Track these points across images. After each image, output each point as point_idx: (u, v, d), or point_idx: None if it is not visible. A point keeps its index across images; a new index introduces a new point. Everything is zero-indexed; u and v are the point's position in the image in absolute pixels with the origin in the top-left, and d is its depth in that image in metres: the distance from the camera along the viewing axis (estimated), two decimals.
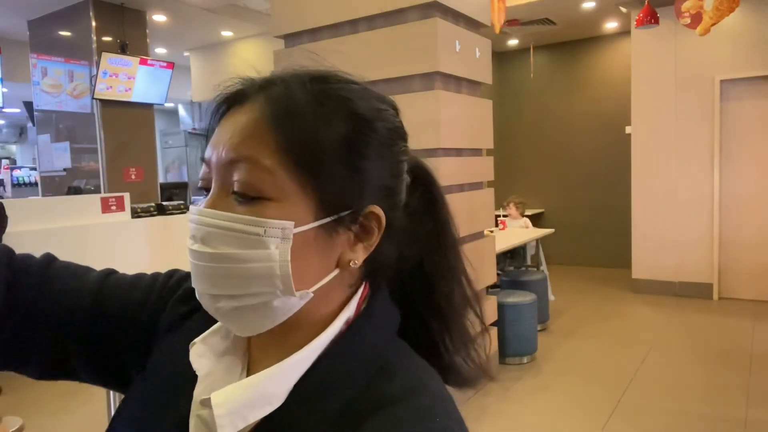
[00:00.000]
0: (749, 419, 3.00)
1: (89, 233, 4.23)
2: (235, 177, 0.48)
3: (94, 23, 5.51)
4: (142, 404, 0.58)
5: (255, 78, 0.53)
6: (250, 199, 0.48)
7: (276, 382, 0.49)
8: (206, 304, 0.51)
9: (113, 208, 4.50)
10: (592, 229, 7.12)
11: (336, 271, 0.51)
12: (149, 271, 0.69)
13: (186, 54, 7.56)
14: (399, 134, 0.55)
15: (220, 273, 0.48)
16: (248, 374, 0.55)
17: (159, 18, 6.14)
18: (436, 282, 0.59)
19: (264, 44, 6.69)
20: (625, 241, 6.06)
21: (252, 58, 6.84)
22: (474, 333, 0.62)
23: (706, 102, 5.36)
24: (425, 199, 0.60)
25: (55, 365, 0.63)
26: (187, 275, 0.52)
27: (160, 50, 7.35)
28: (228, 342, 0.56)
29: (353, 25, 3.16)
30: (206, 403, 0.48)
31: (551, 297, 5.03)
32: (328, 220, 0.49)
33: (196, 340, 0.55)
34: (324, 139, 0.49)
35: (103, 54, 5.39)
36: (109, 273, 0.67)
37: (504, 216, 5.52)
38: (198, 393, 0.52)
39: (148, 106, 5.99)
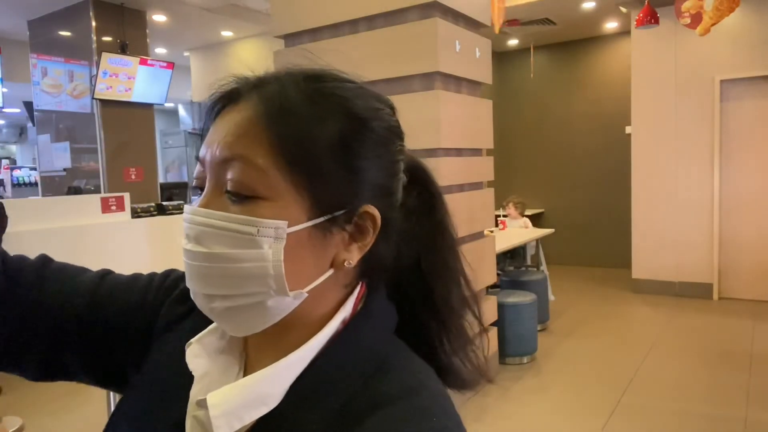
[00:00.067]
0: (749, 419, 3.00)
1: (89, 233, 4.22)
2: (229, 176, 0.48)
3: (94, 23, 5.51)
4: (138, 405, 0.58)
5: (249, 77, 0.53)
6: (244, 198, 0.48)
7: (272, 383, 0.49)
8: (200, 304, 0.51)
9: (113, 208, 4.50)
10: (592, 229, 7.11)
11: (330, 271, 0.51)
12: (149, 271, 0.69)
13: (186, 54, 7.56)
14: (395, 133, 0.55)
15: (214, 273, 0.48)
16: (245, 374, 0.54)
17: (159, 18, 6.14)
18: (434, 282, 0.59)
19: (264, 44, 6.69)
20: (625, 241, 6.06)
21: (252, 58, 6.84)
22: (472, 334, 0.62)
23: (706, 102, 5.35)
24: (423, 198, 0.59)
25: (52, 367, 0.63)
26: (184, 275, 0.52)
27: (160, 50, 7.35)
28: (224, 342, 0.56)
29: (353, 25, 3.16)
30: (202, 404, 0.48)
31: (551, 297, 5.03)
32: (322, 219, 0.49)
33: (192, 340, 0.55)
34: (318, 137, 0.49)
35: (103, 54, 5.39)
36: (105, 274, 0.67)
37: (504, 216, 5.52)
38: (194, 393, 0.52)
39: (148, 106, 5.99)
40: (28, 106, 6.61)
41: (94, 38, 5.51)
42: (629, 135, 5.80)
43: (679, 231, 5.56)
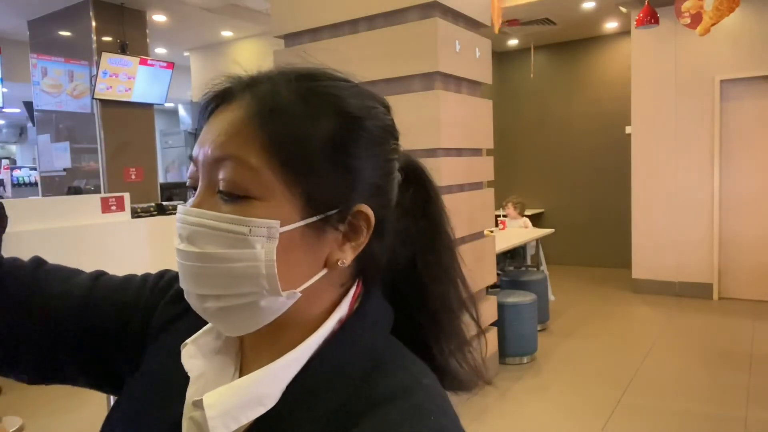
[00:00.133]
0: (749, 419, 3.00)
1: (89, 233, 4.22)
2: (221, 176, 0.48)
3: (94, 23, 5.51)
4: (134, 406, 0.57)
5: (242, 76, 0.52)
6: (236, 198, 0.47)
7: (269, 383, 0.48)
8: (194, 304, 0.51)
9: (113, 208, 4.50)
10: (592, 229, 7.11)
11: (324, 271, 0.51)
12: (149, 271, 0.68)
13: (186, 54, 7.56)
14: (389, 132, 0.55)
15: (206, 273, 0.48)
16: (241, 375, 0.54)
17: (159, 18, 6.14)
18: (429, 282, 0.59)
19: (264, 44, 6.69)
20: (625, 241, 6.06)
21: (252, 58, 6.84)
22: (469, 335, 0.61)
23: (706, 102, 5.35)
24: (418, 197, 0.59)
25: (46, 369, 0.63)
26: (178, 275, 0.52)
27: (160, 50, 7.35)
28: (220, 342, 0.55)
29: (353, 25, 3.16)
30: (198, 405, 0.47)
31: (551, 297, 5.03)
32: (314, 219, 0.49)
33: (187, 341, 0.55)
34: (311, 137, 0.49)
35: (103, 54, 5.39)
36: (99, 275, 0.66)
37: (503, 216, 5.52)
38: (190, 394, 0.52)
39: (148, 106, 5.99)
40: (28, 106, 6.61)
41: (94, 38, 5.51)
42: (629, 135, 5.80)
43: (679, 231, 5.56)
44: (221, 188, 0.48)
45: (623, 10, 5.72)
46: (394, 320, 0.56)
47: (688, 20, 4.43)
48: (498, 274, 4.40)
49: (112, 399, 2.41)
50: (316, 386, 0.49)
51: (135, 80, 5.68)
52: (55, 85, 5.83)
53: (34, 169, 7.81)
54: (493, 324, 3.61)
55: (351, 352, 0.51)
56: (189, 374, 0.53)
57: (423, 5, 2.94)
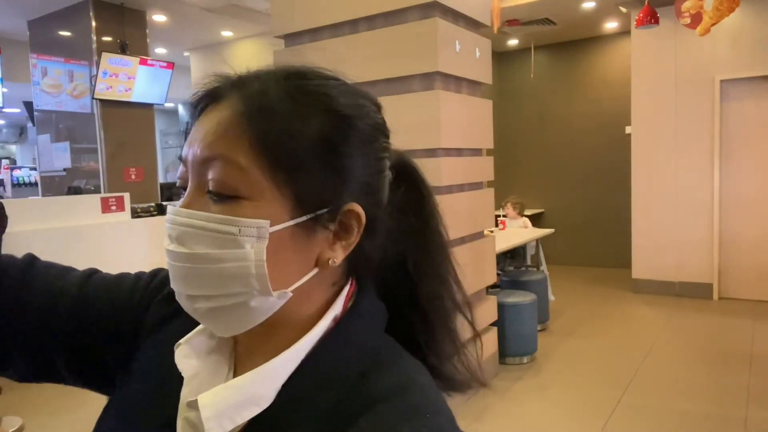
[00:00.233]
0: (749, 419, 3.00)
1: (89, 233, 4.23)
2: (210, 176, 0.48)
3: (94, 23, 5.51)
4: (127, 407, 0.57)
5: (231, 75, 0.52)
6: (225, 197, 0.47)
7: (264, 383, 0.48)
8: (184, 304, 0.51)
9: (113, 208, 4.50)
10: (592, 229, 7.11)
11: (315, 270, 0.51)
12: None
13: (186, 54, 7.56)
14: (380, 130, 0.54)
15: (196, 273, 0.48)
16: (235, 374, 0.54)
17: (159, 18, 6.14)
18: (420, 281, 0.58)
19: (264, 44, 6.69)
20: (625, 241, 6.06)
21: (252, 58, 6.84)
22: (464, 337, 0.61)
23: (706, 102, 5.35)
24: (410, 195, 0.59)
25: (37, 367, 0.62)
26: None
27: (160, 50, 7.35)
28: (213, 342, 0.55)
29: (353, 25, 3.16)
30: (193, 405, 0.47)
31: (551, 297, 5.03)
32: (304, 218, 0.49)
33: (181, 341, 0.54)
34: (299, 136, 0.48)
35: (103, 54, 5.39)
36: (92, 273, 0.66)
37: (503, 216, 5.52)
38: (185, 395, 0.52)
39: (148, 106, 5.99)
40: (28, 106, 6.62)
41: (94, 38, 5.52)
42: (629, 135, 5.80)
43: (679, 231, 5.56)
44: (210, 188, 0.48)
45: (623, 10, 5.72)
46: (388, 319, 0.56)
47: (688, 20, 4.43)
48: (498, 274, 4.40)
49: None
50: (311, 386, 0.49)
51: (135, 80, 5.68)
52: (55, 85, 5.84)
53: (34, 169, 7.82)
54: (493, 324, 3.61)
55: (346, 351, 0.51)
56: (183, 374, 0.52)
57: (423, 5, 2.94)
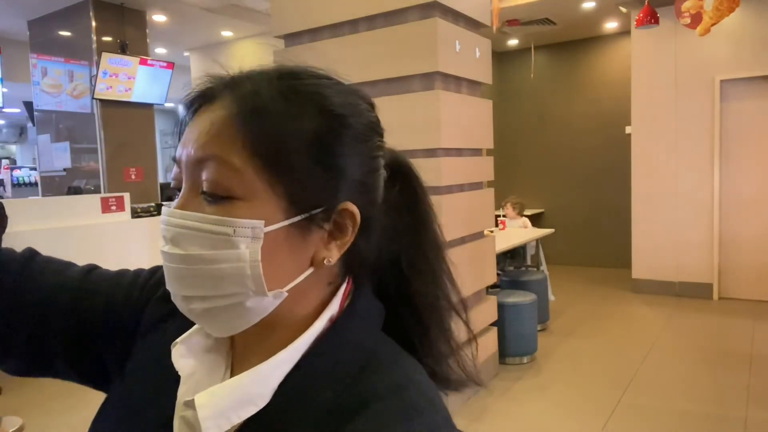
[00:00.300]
0: (749, 419, 3.00)
1: (89, 233, 4.23)
2: (204, 176, 0.48)
3: (94, 23, 5.51)
4: (124, 405, 0.57)
5: (224, 76, 0.52)
6: (220, 198, 0.47)
7: (260, 382, 0.48)
8: (180, 305, 0.51)
9: (113, 208, 4.50)
10: (592, 229, 7.11)
11: (310, 270, 0.51)
12: None
13: (186, 54, 7.56)
14: (374, 129, 0.54)
15: (191, 274, 0.48)
16: (232, 374, 0.54)
17: (159, 18, 6.14)
18: (413, 279, 0.58)
19: (264, 44, 6.69)
20: (625, 241, 6.06)
21: (252, 58, 6.83)
22: (459, 337, 0.61)
23: (706, 102, 5.35)
24: (405, 193, 0.59)
25: (35, 362, 0.63)
26: None
27: (160, 50, 7.35)
28: (210, 342, 0.55)
29: (353, 25, 3.16)
30: (190, 405, 0.47)
31: (551, 297, 5.03)
32: (299, 218, 0.49)
33: (178, 340, 0.54)
34: (293, 135, 0.48)
35: (103, 54, 5.39)
36: (91, 269, 0.66)
37: (502, 216, 5.52)
38: (181, 394, 0.52)
39: (148, 106, 5.99)
40: (28, 106, 6.62)
41: (94, 38, 5.52)
42: (629, 135, 5.80)
43: (679, 231, 5.56)
44: (204, 189, 0.48)
45: (623, 10, 5.72)
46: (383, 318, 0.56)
47: (688, 20, 4.43)
48: (498, 274, 4.40)
49: None
50: (307, 385, 0.49)
51: (135, 80, 5.68)
52: (55, 85, 5.84)
53: (34, 169, 7.82)
54: (493, 324, 3.61)
55: (342, 350, 0.51)
56: (180, 373, 0.52)
57: (423, 5, 2.94)
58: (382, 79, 3.06)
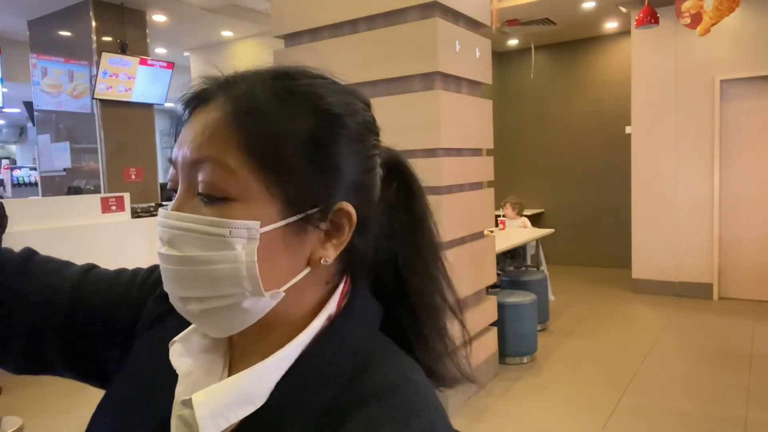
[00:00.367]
0: (749, 419, 3.00)
1: (89, 233, 4.23)
2: (200, 178, 0.48)
3: (94, 23, 5.51)
4: (121, 404, 0.57)
5: (218, 77, 0.52)
6: (215, 199, 0.47)
7: (258, 382, 0.48)
8: (177, 306, 0.51)
9: (113, 208, 4.50)
10: (592, 229, 7.12)
11: (307, 270, 0.51)
12: None
13: (186, 54, 7.56)
14: (369, 128, 0.55)
15: (188, 275, 0.48)
16: (230, 373, 0.54)
17: (159, 18, 6.14)
18: (410, 277, 0.58)
19: (264, 44, 6.69)
20: (625, 241, 6.06)
21: (252, 58, 6.84)
22: (454, 335, 0.61)
23: (706, 102, 5.35)
24: (401, 192, 0.59)
25: (34, 360, 0.63)
26: None
27: (160, 50, 7.35)
28: (208, 341, 0.55)
29: (353, 25, 3.16)
30: (188, 404, 0.47)
31: (551, 297, 5.03)
32: (295, 218, 0.49)
33: (175, 339, 0.55)
34: (288, 136, 0.48)
35: (103, 54, 5.39)
36: (90, 268, 0.66)
37: (502, 216, 5.52)
38: (179, 393, 0.52)
39: (148, 106, 6.00)
40: (28, 106, 6.62)
41: (94, 38, 5.52)
42: (629, 135, 5.80)
43: (679, 231, 5.56)
44: (200, 190, 0.48)
45: (623, 10, 5.72)
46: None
47: (688, 20, 4.43)
48: (498, 274, 4.40)
49: None
50: (305, 384, 0.49)
51: (135, 80, 5.68)
52: (55, 85, 5.84)
53: (34, 169, 7.82)
54: (493, 324, 3.61)
55: (339, 349, 0.51)
56: (177, 372, 0.52)
57: (423, 5, 2.94)
58: (382, 79, 3.06)
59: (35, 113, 6.21)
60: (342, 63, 3.10)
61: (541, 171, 7.47)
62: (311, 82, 0.52)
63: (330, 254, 0.51)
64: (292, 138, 0.49)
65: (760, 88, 5.20)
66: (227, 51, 7.14)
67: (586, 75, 7.13)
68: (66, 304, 0.62)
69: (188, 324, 0.55)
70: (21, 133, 12.50)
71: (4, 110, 8.10)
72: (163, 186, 6.15)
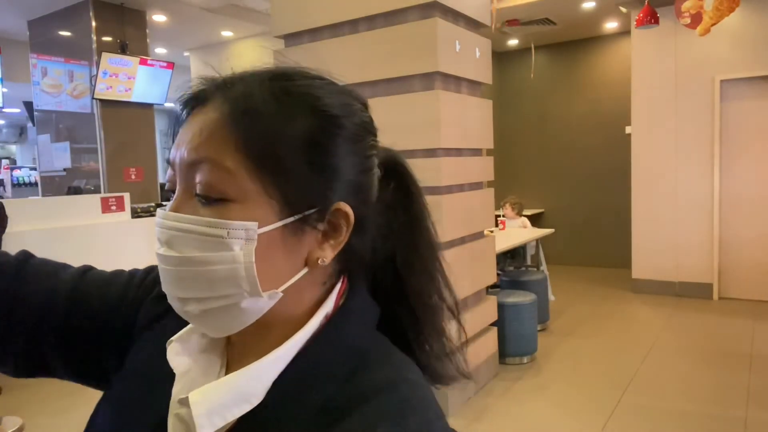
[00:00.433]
0: (749, 419, 3.00)
1: (89, 233, 4.23)
2: (198, 179, 0.48)
3: (94, 23, 5.51)
4: (120, 403, 0.57)
5: (216, 78, 0.52)
6: (213, 200, 0.48)
7: (254, 380, 0.49)
8: (176, 307, 0.51)
9: (113, 208, 4.50)
10: (592, 229, 7.12)
11: (305, 270, 0.51)
12: None
13: (186, 54, 7.56)
14: (367, 129, 0.55)
15: (186, 276, 0.48)
16: (227, 372, 0.54)
17: (159, 18, 6.14)
18: (408, 276, 0.59)
19: (264, 44, 6.69)
20: (625, 241, 6.06)
21: (252, 58, 6.83)
22: (451, 333, 0.61)
23: (706, 102, 5.35)
24: (399, 192, 0.59)
25: (33, 363, 0.63)
26: None
27: (160, 50, 7.35)
28: (206, 340, 0.56)
29: (353, 25, 3.16)
30: (184, 402, 0.48)
31: (551, 297, 5.03)
32: (292, 219, 0.49)
33: (173, 338, 0.55)
34: (285, 136, 0.49)
35: (103, 54, 5.39)
36: (86, 270, 0.66)
37: (502, 216, 5.52)
38: (176, 392, 0.52)
39: (148, 106, 6.00)
40: (28, 106, 6.62)
41: (94, 38, 5.52)
42: (629, 135, 5.80)
43: (679, 231, 5.56)
44: (198, 191, 0.48)
45: (623, 10, 5.72)
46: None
47: (688, 20, 4.43)
48: (498, 274, 4.40)
49: None
50: (301, 383, 0.49)
51: (135, 80, 5.68)
52: (55, 85, 5.84)
53: (34, 169, 7.82)
54: (493, 324, 3.61)
55: (336, 348, 0.51)
56: (175, 371, 0.53)
57: (423, 5, 2.94)
58: (382, 79, 3.06)
59: (35, 113, 6.21)
60: (342, 63, 3.10)
61: (541, 171, 7.47)
62: (308, 83, 0.52)
63: (328, 255, 0.51)
64: (290, 139, 0.49)
65: (760, 88, 5.20)
66: (227, 51, 7.15)
67: (586, 75, 7.13)
68: (63, 307, 0.62)
69: (186, 324, 0.55)
70: (21, 133, 12.51)
71: (4, 110, 8.10)
72: (163, 186, 6.15)
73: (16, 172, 8.91)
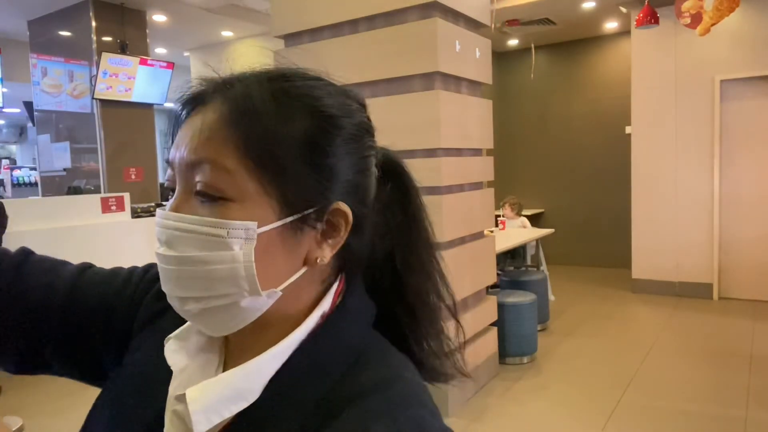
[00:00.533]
0: (749, 419, 3.00)
1: (89, 233, 4.23)
2: (197, 179, 0.49)
3: (94, 23, 5.51)
4: (117, 400, 0.58)
5: (215, 78, 0.53)
6: (213, 200, 0.48)
7: (251, 378, 0.49)
8: (175, 306, 0.51)
9: (113, 208, 4.50)
10: (592, 229, 7.12)
11: (303, 269, 0.51)
12: None
13: (186, 54, 7.56)
14: (365, 129, 0.55)
15: (186, 276, 0.48)
16: (224, 370, 0.55)
17: (159, 18, 6.14)
18: (406, 276, 0.59)
19: (264, 44, 6.69)
20: (625, 241, 6.06)
21: (252, 58, 6.83)
22: (449, 332, 0.62)
23: (706, 102, 5.36)
24: (396, 192, 0.60)
25: (32, 360, 0.63)
26: None
27: (160, 50, 7.35)
28: (203, 338, 0.56)
29: (353, 25, 3.16)
30: (181, 399, 0.48)
31: (551, 297, 5.03)
32: (292, 219, 0.49)
33: (171, 335, 0.55)
34: (284, 137, 0.49)
35: (103, 54, 5.39)
36: (86, 267, 0.67)
37: (501, 216, 5.52)
38: (173, 388, 0.52)
39: (148, 106, 6.00)
40: (28, 106, 6.62)
41: (94, 38, 5.52)
42: (629, 135, 5.81)
43: (679, 231, 5.56)
44: (198, 191, 0.49)
45: (623, 10, 5.72)
46: (375, 314, 0.57)
47: (688, 20, 4.43)
48: (498, 274, 4.40)
49: None
50: (297, 380, 0.49)
51: (135, 80, 5.68)
52: (55, 85, 5.84)
53: (34, 169, 7.82)
54: (493, 324, 3.61)
55: (333, 346, 0.52)
56: (172, 368, 0.53)
57: (423, 5, 2.94)
58: (383, 79, 3.06)
59: (35, 113, 6.21)
60: (342, 63, 3.10)
61: (541, 171, 7.47)
62: (307, 84, 0.52)
63: (326, 254, 0.52)
64: (289, 139, 0.49)
65: (760, 88, 5.20)
66: (227, 51, 7.15)
67: (586, 75, 7.13)
68: (62, 303, 0.62)
69: (184, 321, 0.56)
70: (21, 133, 12.51)
71: (4, 110, 8.10)
72: (163, 186, 6.15)
73: (16, 172, 8.91)
